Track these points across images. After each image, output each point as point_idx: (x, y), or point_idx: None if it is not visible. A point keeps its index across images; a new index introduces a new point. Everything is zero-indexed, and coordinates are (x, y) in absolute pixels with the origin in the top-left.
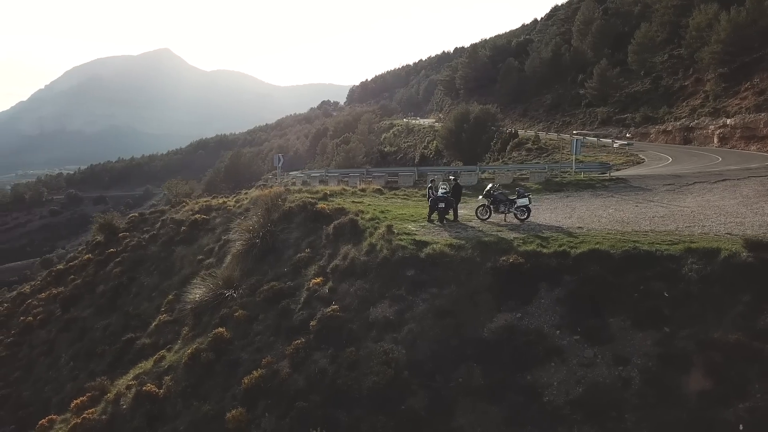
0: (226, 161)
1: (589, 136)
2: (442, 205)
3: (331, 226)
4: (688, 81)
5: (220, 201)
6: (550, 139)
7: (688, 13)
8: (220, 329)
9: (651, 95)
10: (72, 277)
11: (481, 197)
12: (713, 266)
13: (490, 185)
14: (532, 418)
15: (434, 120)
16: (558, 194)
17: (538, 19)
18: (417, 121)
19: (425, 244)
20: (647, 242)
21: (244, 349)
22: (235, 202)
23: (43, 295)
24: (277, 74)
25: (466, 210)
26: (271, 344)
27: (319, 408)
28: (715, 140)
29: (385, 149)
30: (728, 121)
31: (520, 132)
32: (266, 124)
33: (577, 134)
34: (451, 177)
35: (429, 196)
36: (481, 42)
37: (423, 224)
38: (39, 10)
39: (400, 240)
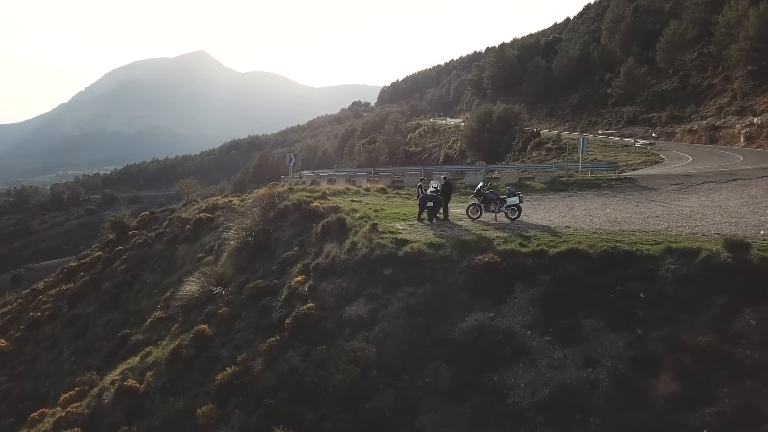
0: (255, 162)
1: (613, 135)
2: (430, 203)
3: (320, 224)
4: (717, 79)
5: (226, 200)
6: (572, 139)
7: (719, 10)
8: (203, 326)
9: (678, 94)
10: (82, 274)
11: (471, 196)
12: (691, 267)
13: (481, 184)
14: (495, 419)
15: (462, 120)
16: (561, 194)
17: (571, 18)
18: (443, 121)
19: (405, 242)
20: (630, 242)
21: (224, 346)
22: (240, 201)
23: (53, 291)
24: (311, 75)
25: (461, 209)
26: (250, 342)
27: (287, 406)
28: (742, 140)
29: (411, 149)
30: (755, 120)
31: (544, 132)
32: (298, 125)
33: (602, 134)
34: (442, 176)
35: (419, 195)
36: (512, 42)
37: (412, 223)
38: (80, 16)
39: (382, 239)
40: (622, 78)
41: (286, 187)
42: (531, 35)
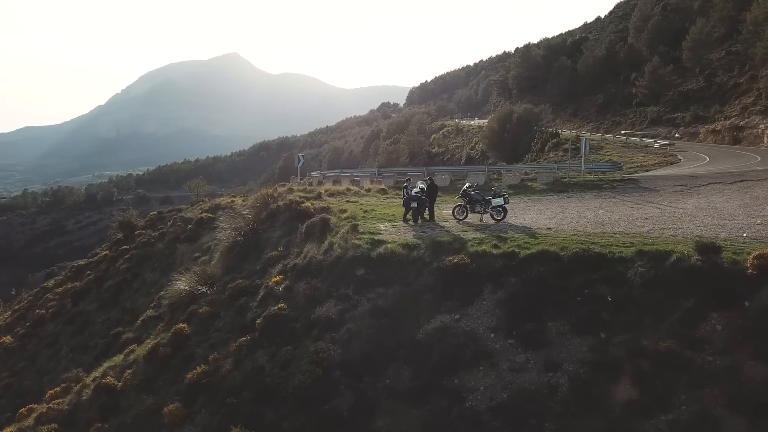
0: (281, 163)
1: (635, 136)
2: (414, 204)
3: (305, 225)
4: (743, 78)
5: (229, 200)
6: (592, 140)
7: (748, 7)
8: (182, 325)
9: (704, 93)
10: (88, 272)
11: (457, 197)
12: (660, 270)
13: (467, 184)
14: (451, 422)
15: (486, 121)
16: (560, 195)
17: (602, 16)
18: (467, 122)
19: (381, 243)
20: (606, 244)
21: (200, 345)
22: (242, 201)
23: (59, 289)
24: (342, 76)
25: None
26: (226, 341)
27: (249, 405)
28: (765, 140)
29: (433, 150)
30: None
31: (565, 132)
32: (327, 126)
33: (624, 134)
34: (427, 177)
35: (404, 196)
36: (539, 42)
37: (396, 224)
38: (117, 19)
39: (358, 239)
40: (647, 77)
41: (286, 188)
42: (562, 34)
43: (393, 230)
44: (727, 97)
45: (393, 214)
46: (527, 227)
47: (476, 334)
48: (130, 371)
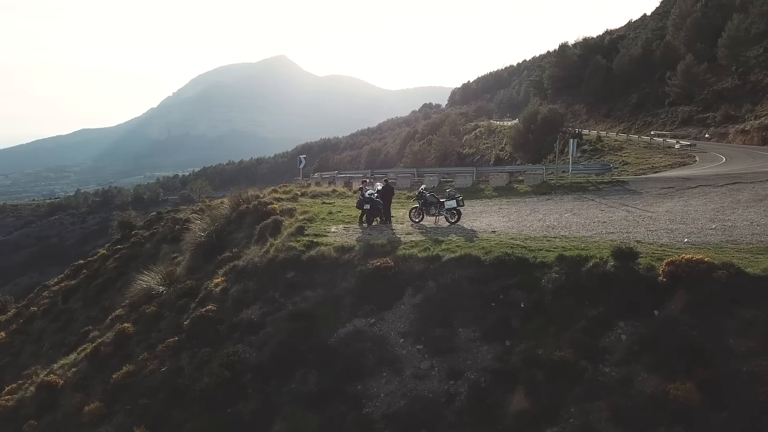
0: (316, 164)
1: (661, 136)
2: (367, 206)
3: (259, 226)
4: None
5: (219, 201)
6: (616, 140)
7: None
8: (126, 324)
9: (737, 92)
10: (84, 271)
11: (413, 200)
12: (574, 276)
13: (422, 186)
14: (347, 429)
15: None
16: (541, 197)
17: (648, 14)
18: (500, 123)
19: (315, 245)
20: (537, 248)
21: (139, 345)
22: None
23: (56, 287)
24: (388, 78)
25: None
26: (163, 341)
27: (160, 406)
28: None
29: (464, 151)
30: None
31: (592, 133)
32: (368, 128)
33: (653, 134)
34: (383, 179)
35: (359, 198)
36: (578, 41)
37: (348, 226)
38: (170, 24)
39: (296, 241)
40: (679, 76)
41: (269, 189)
42: (600, 35)
43: (342, 232)
44: (760, 96)
45: (355, 217)
46: (474, 230)
47: (386, 339)
48: (75, 369)
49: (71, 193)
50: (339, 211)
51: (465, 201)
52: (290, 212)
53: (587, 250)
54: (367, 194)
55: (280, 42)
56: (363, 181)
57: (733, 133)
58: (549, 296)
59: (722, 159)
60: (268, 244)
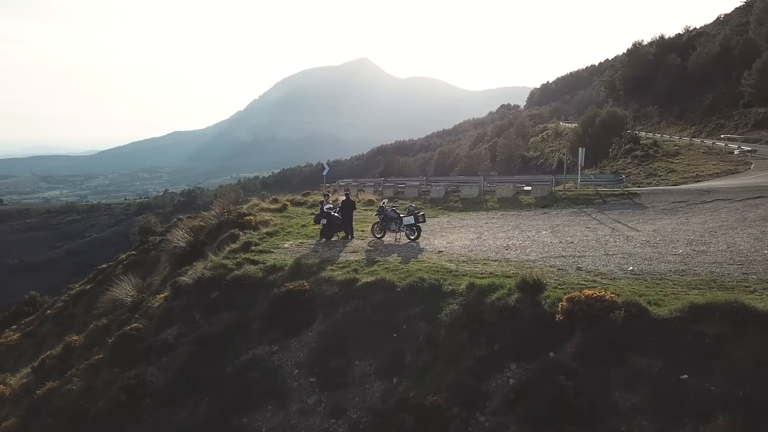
0: (381, 167)
1: (729, 140)
2: (324, 221)
3: (218, 240)
4: None
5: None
6: (675, 145)
7: None
8: (75, 338)
9: None
10: (100, 276)
11: (375, 214)
12: (477, 308)
13: (385, 200)
14: None
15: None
16: (539, 210)
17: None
18: (567, 125)
19: (244, 264)
20: (462, 273)
21: (79, 359)
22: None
23: (74, 291)
24: (469, 79)
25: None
26: (89, 358)
27: (60, 428)
28: None
29: (528, 154)
30: None
31: (651, 136)
32: (443, 129)
33: (724, 138)
34: (346, 192)
35: (318, 212)
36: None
37: (303, 242)
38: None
39: (232, 259)
40: (755, 74)
41: (270, 198)
42: (679, 33)
43: (294, 248)
44: None
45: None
46: (423, 249)
47: (282, 369)
48: (24, 380)
49: (161, 192)
50: (312, 224)
51: (465, 212)
52: (265, 223)
53: (500, 278)
54: (325, 208)
55: (362, 45)
56: (324, 195)
57: None
58: (443, 330)
59: None
60: (209, 261)
